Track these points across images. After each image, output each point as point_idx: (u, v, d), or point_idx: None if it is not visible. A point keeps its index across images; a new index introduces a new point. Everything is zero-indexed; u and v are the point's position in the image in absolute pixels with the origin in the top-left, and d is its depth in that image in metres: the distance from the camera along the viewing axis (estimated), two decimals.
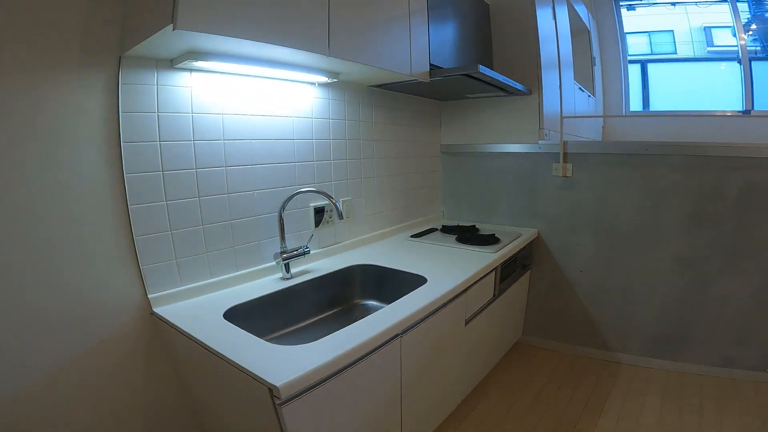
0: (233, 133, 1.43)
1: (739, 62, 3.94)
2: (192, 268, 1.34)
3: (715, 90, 4.60)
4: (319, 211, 1.80)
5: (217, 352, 0.99)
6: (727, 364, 2.09)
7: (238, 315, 1.26)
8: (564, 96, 2.54)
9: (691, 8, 4.64)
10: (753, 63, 3.98)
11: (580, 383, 2.13)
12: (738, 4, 4.02)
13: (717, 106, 4.37)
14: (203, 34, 0.98)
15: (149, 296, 1.24)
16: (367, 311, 1.58)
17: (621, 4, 4.17)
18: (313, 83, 1.69)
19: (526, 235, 2.22)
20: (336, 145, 1.86)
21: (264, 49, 1.17)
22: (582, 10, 3.28)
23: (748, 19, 4.07)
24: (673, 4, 4.51)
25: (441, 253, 1.89)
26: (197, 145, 1.33)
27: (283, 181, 1.62)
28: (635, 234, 2.15)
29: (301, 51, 1.20)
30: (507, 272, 2.00)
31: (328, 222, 1.85)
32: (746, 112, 3.94)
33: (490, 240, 2.01)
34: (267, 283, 1.50)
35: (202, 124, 1.34)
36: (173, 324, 1.16)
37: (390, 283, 1.65)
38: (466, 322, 1.67)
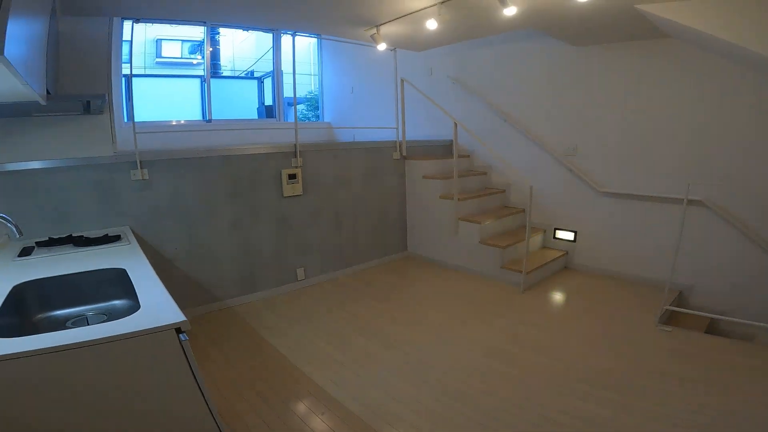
0: None
1: (203, 80, 5.41)
2: None
3: (186, 101, 5.99)
4: None
5: None
6: (281, 283, 3.55)
7: None
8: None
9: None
10: (206, 79, 5.48)
11: (233, 333, 2.82)
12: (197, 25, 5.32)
13: (181, 116, 5.71)
14: None
15: None
16: (61, 320, 1.59)
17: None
18: None
19: (126, 231, 2.60)
20: None
21: None
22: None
23: (201, 40, 5.49)
24: (171, 23, 5.28)
25: (86, 256, 1.96)
26: None
27: None
28: (203, 213, 3.08)
29: None
30: None
31: None
32: (208, 121, 5.55)
33: (112, 239, 2.29)
34: None
35: None
36: None
37: (82, 286, 1.69)
38: None
